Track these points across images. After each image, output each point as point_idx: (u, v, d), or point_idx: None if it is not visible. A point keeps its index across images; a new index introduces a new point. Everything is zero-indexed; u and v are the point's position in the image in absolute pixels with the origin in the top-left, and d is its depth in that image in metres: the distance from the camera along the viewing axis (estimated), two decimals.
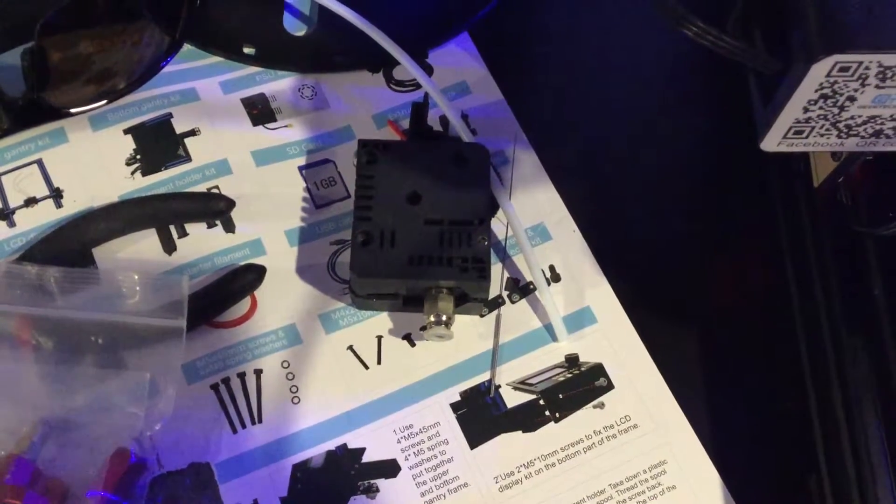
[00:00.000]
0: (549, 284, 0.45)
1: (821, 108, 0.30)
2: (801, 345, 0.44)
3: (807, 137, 0.32)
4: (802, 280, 0.44)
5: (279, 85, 0.50)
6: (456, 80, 0.51)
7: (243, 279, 0.43)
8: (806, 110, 0.30)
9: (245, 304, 0.44)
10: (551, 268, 0.46)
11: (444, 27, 0.52)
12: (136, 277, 0.42)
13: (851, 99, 0.29)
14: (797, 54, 0.29)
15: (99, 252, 0.44)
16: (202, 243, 0.45)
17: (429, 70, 0.51)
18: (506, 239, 0.46)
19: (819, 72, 0.28)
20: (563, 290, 0.46)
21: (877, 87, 0.29)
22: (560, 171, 0.49)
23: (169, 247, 0.45)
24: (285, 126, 0.49)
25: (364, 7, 0.48)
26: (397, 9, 0.52)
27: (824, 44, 0.28)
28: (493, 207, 0.46)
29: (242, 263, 0.44)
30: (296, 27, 0.51)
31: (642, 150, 0.50)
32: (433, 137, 0.48)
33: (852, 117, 0.30)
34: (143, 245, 0.45)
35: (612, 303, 0.45)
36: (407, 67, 0.47)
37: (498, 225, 0.46)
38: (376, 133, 0.49)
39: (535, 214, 0.47)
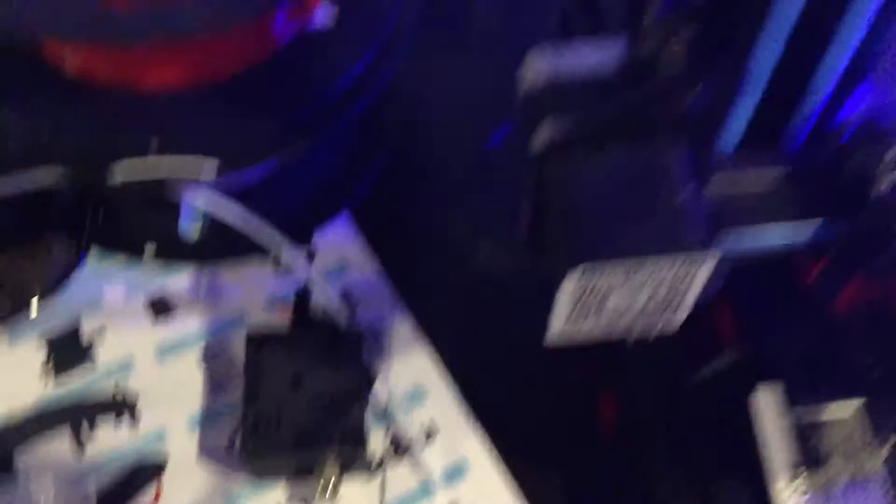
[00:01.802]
0: (426, 440, 0.50)
1: (583, 303, 0.36)
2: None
3: (582, 327, 0.37)
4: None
5: (177, 280, 0.55)
6: (337, 257, 0.56)
7: (145, 472, 0.48)
8: (574, 306, 0.36)
9: (151, 493, 0.49)
10: (429, 426, 0.51)
11: (328, 210, 0.58)
12: (49, 482, 0.47)
13: (608, 293, 0.35)
14: (555, 268, 0.34)
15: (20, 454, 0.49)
16: (110, 439, 0.50)
17: (312, 254, 0.57)
18: (386, 403, 0.51)
19: (573, 279, 0.34)
20: (440, 446, 0.51)
21: (623, 284, 0.35)
22: (436, 334, 0.54)
23: (80, 446, 0.50)
24: (183, 319, 0.54)
25: (252, 200, 0.54)
26: (283, 200, 0.58)
27: (571, 258, 0.34)
28: (371, 379, 0.51)
29: (146, 454, 0.49)
30: (189, 232, 0.56)
31: (517, 304, 0.55)
32: (314, 325, 0.53)
33: (615, 307, 0.36)
34: (56, 446, 0.50)
35: (486, 454, 0.50)
36: (288, 263, 0.53)
37: (384, 387, 0.51)
38: (269, 316, 0.54)
39: (412, 377, 0.53)
